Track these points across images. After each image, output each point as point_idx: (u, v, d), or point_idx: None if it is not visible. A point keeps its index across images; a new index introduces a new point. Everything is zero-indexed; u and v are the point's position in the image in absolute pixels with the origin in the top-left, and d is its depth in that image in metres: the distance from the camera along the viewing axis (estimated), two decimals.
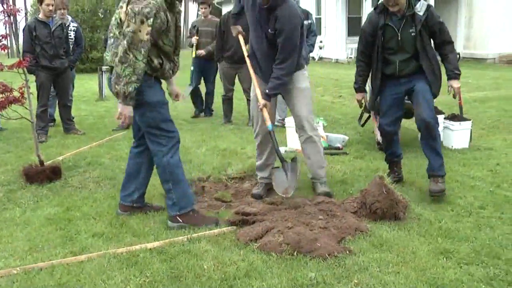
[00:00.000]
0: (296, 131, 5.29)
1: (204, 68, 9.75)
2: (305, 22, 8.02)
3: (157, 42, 4.12)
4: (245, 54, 5.31)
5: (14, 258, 3.76)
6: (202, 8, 9.82)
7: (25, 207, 4.88)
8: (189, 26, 10.66)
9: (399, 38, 4.96)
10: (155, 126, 4.27)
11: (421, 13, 4.85)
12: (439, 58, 5.08)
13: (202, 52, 9.49)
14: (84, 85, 14.83)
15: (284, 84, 4.94)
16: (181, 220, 4.27)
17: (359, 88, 5.39)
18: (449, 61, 5.01)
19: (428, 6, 4.89)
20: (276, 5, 4.74)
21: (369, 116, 7.14)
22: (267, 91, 4.92)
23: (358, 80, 5.35)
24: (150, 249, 3.82)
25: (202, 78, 9.98)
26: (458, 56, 7.76)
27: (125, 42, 3.93)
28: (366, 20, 5.27)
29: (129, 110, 4.09)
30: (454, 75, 5.00)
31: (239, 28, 5.48)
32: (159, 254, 3.74)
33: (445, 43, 5.03)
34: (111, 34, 4.22)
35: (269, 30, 4.82)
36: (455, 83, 5.02)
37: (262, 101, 4.93)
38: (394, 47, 5.02)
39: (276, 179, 4.97)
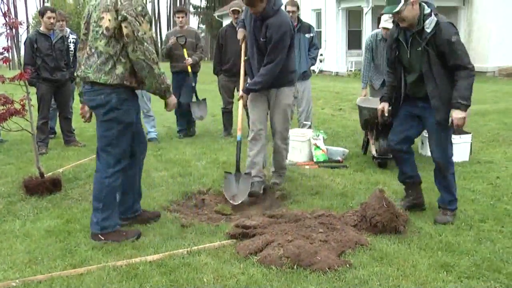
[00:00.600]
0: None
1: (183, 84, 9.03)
2: (307, 36, 8.10)
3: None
4: (243, 58, 5.69)
5: (13, 271, 3.75)
6: (179, 17, 9.03)
7: (25, 219, 4.87)
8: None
9: (409, 56, 4.65)
10: (115, 145, 4.23)
11: (428, 30, 4.45)
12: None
13: (189, 60, 8.74)
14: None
15: (263, 83, 5.33)
16: (102, 238, 4.24)
17: (382, 98, 5.07)
18: (457, 88, 4.45)
19: (438, 22, 4.43)
20: (268, 16, 5.16)
21: (368, 140, 7.12)
22: (247, 85, 5.44)
23: (384, 90, 5.11)
24: (150, 262, 3.81)
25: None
26: None
27: (146, 45, 4.00)
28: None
29: (174, 98, 4.42)
30: (457, 104, 4.45)
31: (245, 32, 5.62)
32: (159, 267, 3.73)
33: (457, 68, 4.46)
34: (93, 49, 4.13)
35: (261, 38, 5.27)
36: (456, 113, 4.47)
37: (240, 92, 5.51)
38: (406, 65, 4.73)
39: (227, 183, 5.44)
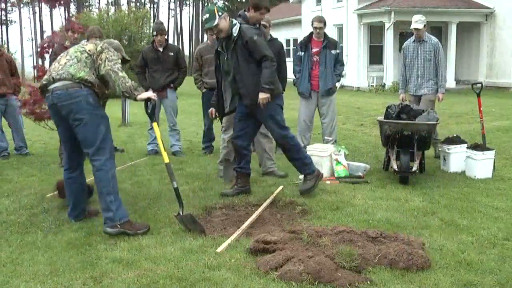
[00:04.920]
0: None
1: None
2: (333, 52, 8.09)
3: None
4: None
5: (34, 282, 3.78)
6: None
7: (47, 231, 4.91)
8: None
9: (226, 59, 5.90)
10: (106, 138, 4.79)
11: (234, 34, 5.65)
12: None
13: None
14: (107, 110, 15.00)
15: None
16: (119, 227, 4.68)
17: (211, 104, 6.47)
18: (262, 76, 5.64)
19: (240, 27, 5.70)
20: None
21: (389, 158, 7.04)
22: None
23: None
24: (170, 275, 3.81)
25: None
26: (481, 85, 7.79)
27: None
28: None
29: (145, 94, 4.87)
30: (262, 88, 5.62)
31: None
32: (179, 281, 3.73)
33: (261, 60, 5.68)
34: (73, 56, 4.87)
35: None
36: (261, 95, 5.64)
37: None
38: (225, 69, 5.99)
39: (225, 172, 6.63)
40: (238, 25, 5.70)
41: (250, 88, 5.72)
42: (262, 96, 5.63)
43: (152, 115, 5.05)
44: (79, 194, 5.19)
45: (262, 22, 8.25)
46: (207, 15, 5.63)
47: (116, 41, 5.38)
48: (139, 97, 4.80)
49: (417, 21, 7.78)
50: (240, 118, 6.02)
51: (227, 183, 6.57)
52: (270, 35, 8.42)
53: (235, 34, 5.65)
